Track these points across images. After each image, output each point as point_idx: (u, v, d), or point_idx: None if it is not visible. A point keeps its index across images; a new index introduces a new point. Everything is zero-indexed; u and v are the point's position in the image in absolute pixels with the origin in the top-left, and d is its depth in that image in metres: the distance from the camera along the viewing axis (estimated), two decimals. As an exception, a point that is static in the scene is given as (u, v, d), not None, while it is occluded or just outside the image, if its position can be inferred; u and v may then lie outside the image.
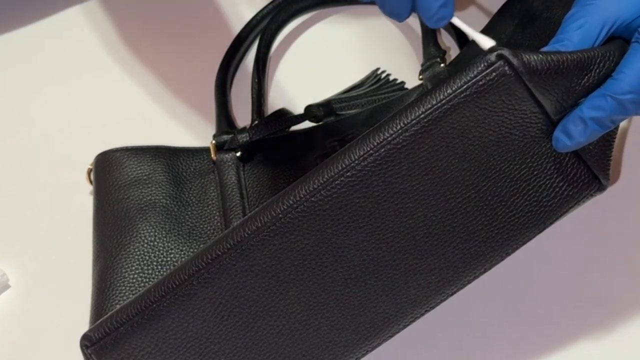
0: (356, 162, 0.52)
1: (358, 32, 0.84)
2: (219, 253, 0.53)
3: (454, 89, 0.51)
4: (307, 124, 0.75)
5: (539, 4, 0.66)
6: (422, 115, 0.52)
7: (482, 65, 0.51)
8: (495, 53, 0.51)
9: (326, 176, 0.53)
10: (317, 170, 0.53)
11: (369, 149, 0.52)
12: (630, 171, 0.71)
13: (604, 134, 0.53)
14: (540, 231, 0.55)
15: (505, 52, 0.51)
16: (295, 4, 0.84)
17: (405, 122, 0.52)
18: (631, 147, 0.72)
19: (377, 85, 0.78)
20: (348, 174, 0.52)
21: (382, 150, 0.52)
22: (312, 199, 0.53)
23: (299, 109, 0.75)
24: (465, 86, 0.51)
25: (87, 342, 0.55)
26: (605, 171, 0.54)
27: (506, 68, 0.51)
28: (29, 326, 0.67)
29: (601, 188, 0.55)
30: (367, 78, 0.79)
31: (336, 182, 0.52)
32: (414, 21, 0.83)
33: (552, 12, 0.64)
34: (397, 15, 0.55)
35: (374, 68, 0.79)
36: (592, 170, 0.54)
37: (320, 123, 0.74)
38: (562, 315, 0.64)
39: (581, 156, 0.53)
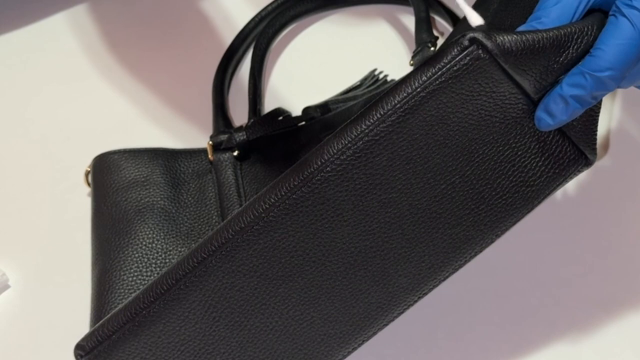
0: (334, 156, 0.51)
1: (356, 32, 0.84)
2: (205, 256, 0.53)
3: (428, 75, 0.50)
4: (304, 121, 0.75)
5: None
6: (398, 105, 0.51)
7: (456, 50, 0.50)
8: (468, 37, 0.50)
9: (306, 173, 0.52)
10: (297, 167, 0.52)
11: (346, 142, 0.51)
12: (630, 171, 0.71)
13: (587, 109, 0.52)
14: (530, 210, 0.54)
15: (478, 35, 0.50)
16: (293, 9, 0.83)
17: (382, 112, 0.51)
18: (630, 140, 0.71)
19: (375, 85, 0.78)
20: (327, 169, 0.52)
21: (360, 142, 0.51)
22: (294, 196, 0.52)
23: (296, 110, 0.75)
24: (439, 72, 0.50)
25: (81, 352, 0.55)
26: (592, 146, 0.53)
27: (480, 51, 0.50)
28: (29, 326, 0.67)
29: (588, 163, 0.54)
30: (365, 79, 0.79)
31: (316, 178, 0.52)
32: (410, 21, 0.82)
33: None
34: None
35: (372, 68, 0.79)
36: (577, 146, 0.53)
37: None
38: (561, 315, 0.64)
39: (565, 133, 0.53)
